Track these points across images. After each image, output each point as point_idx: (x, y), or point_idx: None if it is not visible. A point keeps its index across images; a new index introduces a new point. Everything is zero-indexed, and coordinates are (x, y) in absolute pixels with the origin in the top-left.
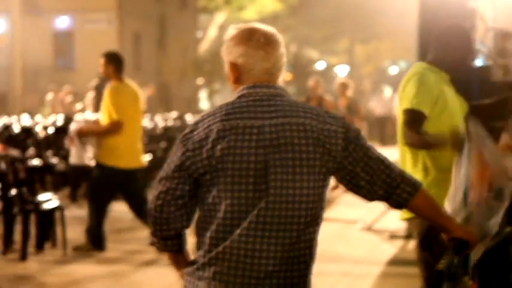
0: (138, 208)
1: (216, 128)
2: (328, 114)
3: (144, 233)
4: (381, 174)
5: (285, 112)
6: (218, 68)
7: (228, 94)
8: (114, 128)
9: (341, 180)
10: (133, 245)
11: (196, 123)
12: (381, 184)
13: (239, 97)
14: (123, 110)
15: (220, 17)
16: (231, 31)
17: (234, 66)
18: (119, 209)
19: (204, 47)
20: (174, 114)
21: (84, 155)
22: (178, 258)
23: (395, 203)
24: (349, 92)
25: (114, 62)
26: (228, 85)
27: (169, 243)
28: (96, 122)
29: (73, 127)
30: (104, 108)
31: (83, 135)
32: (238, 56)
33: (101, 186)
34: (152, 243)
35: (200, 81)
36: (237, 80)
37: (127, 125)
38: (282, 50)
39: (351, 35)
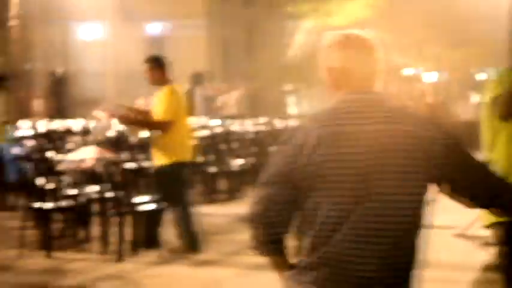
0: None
1: (315, 134)
2: (427, 121)
3: (240, 235)
4: (481, 182)
5: (384, 118)
6: (306, 73)
7: (315, 99)
8: (162, 126)
9: (441, 188)
10: (230, 248)
11: (296, 129)
12: (482, 192)
13: (338, 103)
14: (176, 112)
15: (308, 23)
16: (329, 37)
17: (332, 71)
18: (215, 212)
19: (292, 52)
20: (263, 119)
21: (104, 133)
22: (279, 262)
23: (497, 211)
24: (430, 99)
25: (161, 65)
26: (316, 90)
27: (269, 248)
28: (143, 112)
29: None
30: (156, 109)
31: (130, 122)
32: (337, 61)
33: (176, 185)
34: (253, 248)
35: (288, 86)
36: (336, 86)
37: (180, 124)
38: (381, 54)
39: (439, 41)
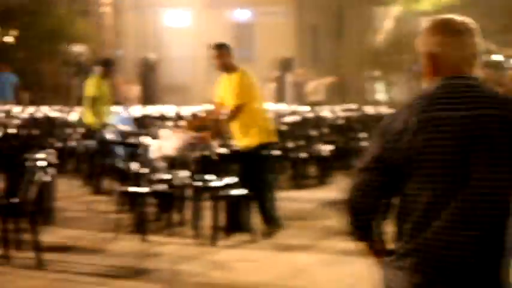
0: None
1: (414, 120)
2: None
3: (329, 221)
4: None
5: (482, 103)
6: (395, 59)
7: (403, 86)
8: (236, 112)
9: None
10: (319, 233)
11: (394, 115)
12: None
13: (437, 88)
14: (249, 96)
15: (396, 9)
16: (427, 22)
17: (430, 56)
18: (304, 197)
19: (380, 38)
20: (352, 105)
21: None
22: (374, 248)
23: None
24: None
25: (228, 52)
26: (403, 77)
27: (365, 233)
28: (211, 113)
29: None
30: (231, 95)
31: (213, 137)
32: (435, 46)
33: (260, 167)
34: (348, 233)
35: (376, 72)
36: (433, 71)
37: (255, 106)
38: (478, 39)
39: None
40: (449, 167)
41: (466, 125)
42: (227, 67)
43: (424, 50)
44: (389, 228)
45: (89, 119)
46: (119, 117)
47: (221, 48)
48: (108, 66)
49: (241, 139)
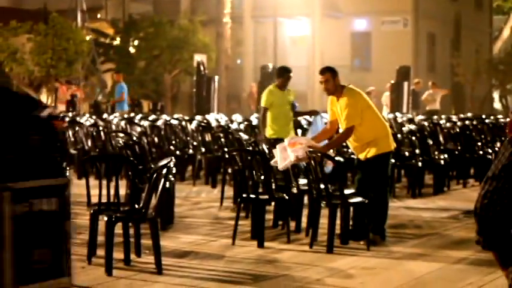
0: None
1: None
2: None
3: (446, 230)
4: None
5: None
6: (511, 68)
7: None
8: (348, 134)
9: None
10: (436, 242)
11: None
12: None
13: None
14: (359, 114)
15: None
16: None
17: None
18: (421, 205)
19: (498, 47)
20: (468, 114)
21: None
22: (504, 257)
23: None
24: None
25: (335, 74)
26: None
27: (495, 242)
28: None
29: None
30: (341, 118)
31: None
32: None
33: (376, 176)
34: (477, 242)
35: (494, 81)
36: None
37: (371, 119)
38: None
39: None
40: None
41: None
42: (335, 90)
43: None
44: None
45: (267, 130)
46: (312, 127)
47: (327, 72)
48: (283, 75)
49: (359, 151)
